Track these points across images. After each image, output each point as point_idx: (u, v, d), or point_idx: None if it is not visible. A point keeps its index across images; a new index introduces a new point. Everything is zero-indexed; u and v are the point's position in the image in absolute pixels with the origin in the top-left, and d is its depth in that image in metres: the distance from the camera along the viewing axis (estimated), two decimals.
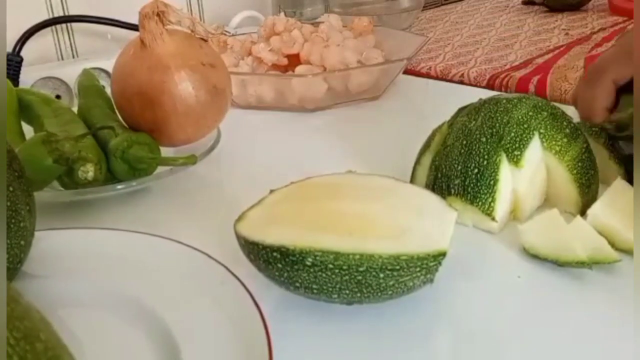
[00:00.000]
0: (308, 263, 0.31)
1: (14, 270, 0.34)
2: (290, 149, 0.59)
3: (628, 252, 0.37)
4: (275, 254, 0.32)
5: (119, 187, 0.47)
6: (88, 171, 0.45)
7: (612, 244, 0.37)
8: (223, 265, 0.34)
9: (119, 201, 0.49)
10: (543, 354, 0.32)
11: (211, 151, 0.51)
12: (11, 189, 0.33)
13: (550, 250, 0.37)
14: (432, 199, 0.36)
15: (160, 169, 0.49)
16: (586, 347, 0.32)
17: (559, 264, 0.37)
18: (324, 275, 0.31)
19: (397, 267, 0.31)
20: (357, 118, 0.66)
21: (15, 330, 0.20)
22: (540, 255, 0.38)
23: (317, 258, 0.31)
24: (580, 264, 0.36)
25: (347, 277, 0.31)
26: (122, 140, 0.47)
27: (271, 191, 0.36)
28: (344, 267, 0.31)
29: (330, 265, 0.31)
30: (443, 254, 0.32)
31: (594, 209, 0.39)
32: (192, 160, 0.47)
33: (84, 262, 0.37)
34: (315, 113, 0.67)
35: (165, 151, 0.51)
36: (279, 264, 0.32)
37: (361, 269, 0.31)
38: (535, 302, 0.35)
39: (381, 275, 0.31)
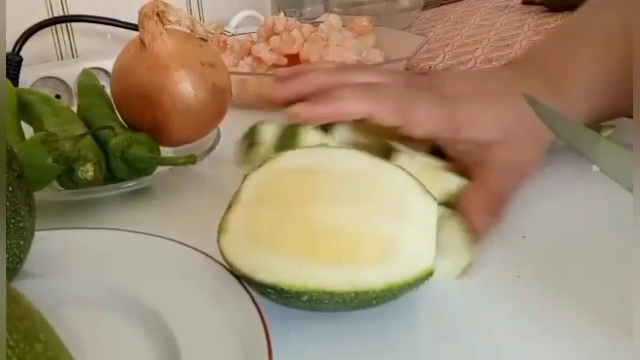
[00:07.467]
0: (304, 299, 0.31)
1: (14, 270, 0.34)
2: None
3: None
4: (269, 290, 0.32)
5: (119, 187, 0.47)
6: (88, 171, 0.45)
7: None
8: (223, 265, 0.34)
9: (119, 201, 0.49)
10: (543, 354, 0.32)
11: (211, 151, 0.51)
12: (11, 189, 0.32)
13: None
14: (411, 189, 0.34)
15: (160, 169, 0.49)
16: (586, 347, 0.32)
17: None
18: (319, 306, 0.32)
19: (389, 295, 0.32)
20: None
21: (15, 331, 0.20)
22: None
23: (314, 297, 0.31)
24: None
25: (341, 306, 0.32)
26: (122, 140, 0.47)
27: (245, 177, 0.37)
28: (339, 301, 0.31)
29: (326, 301, 0.31)
30: (431, 273, 0.33)
31: None
32: (192, 160, 0.47)
33: (84, 262, 0.37)
34: None
35: (165, 151, 0.51)
36: (273, 296, 0.32)
37: (356, 301, 0.32)
38: (535, 302, 0.35)
39: (374, 302, 0.32)
